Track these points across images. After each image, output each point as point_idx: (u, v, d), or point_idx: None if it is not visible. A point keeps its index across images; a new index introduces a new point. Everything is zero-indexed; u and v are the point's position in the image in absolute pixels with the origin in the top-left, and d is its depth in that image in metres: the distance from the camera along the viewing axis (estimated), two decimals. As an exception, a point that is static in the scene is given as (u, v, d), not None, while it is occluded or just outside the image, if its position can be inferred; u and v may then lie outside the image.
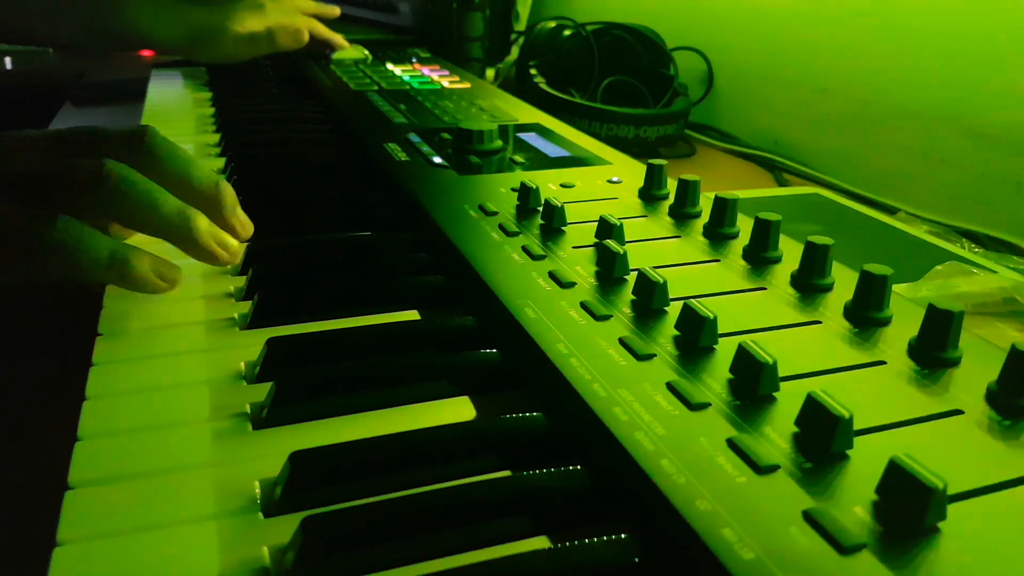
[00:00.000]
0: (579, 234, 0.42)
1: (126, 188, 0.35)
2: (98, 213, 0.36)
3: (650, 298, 0.33)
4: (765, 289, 0.36)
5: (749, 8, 0.95)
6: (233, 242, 0.39)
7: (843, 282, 0.36)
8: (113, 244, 0.35)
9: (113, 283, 0.36)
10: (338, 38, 0.97)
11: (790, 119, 0.89)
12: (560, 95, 0.85)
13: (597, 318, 0.33)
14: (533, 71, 0.90)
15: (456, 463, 0.28)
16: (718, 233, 0.41)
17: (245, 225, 0.41)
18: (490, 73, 1.18)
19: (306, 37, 0.93)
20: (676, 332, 0.32)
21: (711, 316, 0.30)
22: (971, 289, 0.49)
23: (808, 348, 0.31)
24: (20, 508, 0.30)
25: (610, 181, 0.51)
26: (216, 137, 0.69)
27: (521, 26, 1.26)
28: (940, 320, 0.29)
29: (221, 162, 0.62)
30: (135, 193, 0.35)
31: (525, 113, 0.70)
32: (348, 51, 0.96)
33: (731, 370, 0.29)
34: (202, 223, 0.38)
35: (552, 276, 0.37)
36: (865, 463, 0.24)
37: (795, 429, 0.26)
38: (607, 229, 0.40)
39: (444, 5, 1.12)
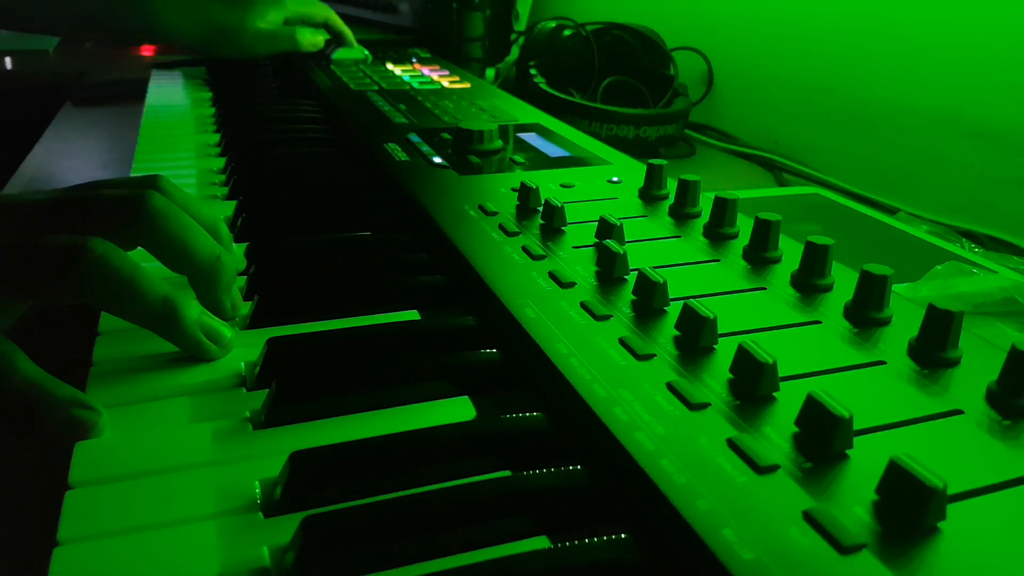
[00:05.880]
0: (579, 234, 0.42)
1: (103, 272, 0.31)
2: (71, 297, 0.32)
3: (650, 298, 0.33)
4: (765, 289, 0.36)
5: (749, 8, 0.95)
6: (226, 333, 0.34)
7: (843, 282, 0.36)
8: (27, 383, 0.30)
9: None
10: (349, 33, 0.97)
11: (790, 119, 0.89)
12: (560, 95, 0.85)
13: (597, 318, 0.33)
14: (533, 71, 0.90)
15: (456, 463, 0.28)
16: (718, 233, 0.41)
17: (236, 305, 0.37)
18: (490, 73, 1.18)
19: (323, 41, 0.93)
20: (676, 332, 0.32)
21: (711, 316, 0.30)
22: (971, 289, 0.49)
23: (808, 348, 0.31)
24: (20, 508, 0.30)
25: (610, 181, 0.51)
26: (216, 137, 0.69)
27: (521, 26, 1.26)
28: (940, 320, 0.29)
29: (221, 162, 0.62)
30: (113, 279, 0.31)
31: (525, 113, 0.70)
32: (348, 51, 0.96)
33: (731, 370, 0.29)
34: (190, 312, 0.33)
35: (552, 276, 0.37)
36: (865, 463, 0.24)
37: (795, 429, 0.26)
38: (607, 229, 0.40)
39: (444, 5, 1.12)
